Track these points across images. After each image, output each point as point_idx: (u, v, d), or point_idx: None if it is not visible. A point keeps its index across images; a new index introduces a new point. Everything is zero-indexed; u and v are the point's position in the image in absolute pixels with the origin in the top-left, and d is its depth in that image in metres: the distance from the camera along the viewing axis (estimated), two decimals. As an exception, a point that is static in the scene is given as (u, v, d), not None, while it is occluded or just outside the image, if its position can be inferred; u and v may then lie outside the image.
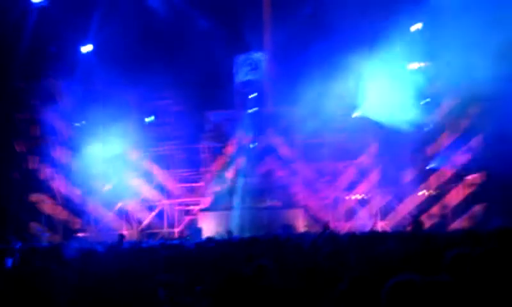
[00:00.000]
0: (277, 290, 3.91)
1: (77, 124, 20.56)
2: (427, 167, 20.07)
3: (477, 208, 18.15)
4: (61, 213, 20.21)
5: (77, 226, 20.59)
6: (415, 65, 20.22)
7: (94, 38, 19.57)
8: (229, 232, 17.25)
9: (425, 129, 19.88)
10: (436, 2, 17.86)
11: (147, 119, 22.00)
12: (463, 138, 19.14)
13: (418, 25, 19.49)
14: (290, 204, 20.33)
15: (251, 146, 21.72)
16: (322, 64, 18.60)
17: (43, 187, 19.78)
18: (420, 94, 19.90)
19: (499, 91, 16.88)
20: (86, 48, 19.97)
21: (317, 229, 18.71)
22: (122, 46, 18.59)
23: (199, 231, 18.63)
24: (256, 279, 4.25)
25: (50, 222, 19.83)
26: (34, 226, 19.14)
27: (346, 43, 18.66)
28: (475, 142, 18.69)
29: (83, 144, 20.41)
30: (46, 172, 20.07)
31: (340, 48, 18.39)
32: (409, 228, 16.31)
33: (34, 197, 19.70)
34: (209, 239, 10.78)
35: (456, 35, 17.32)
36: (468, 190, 18.99)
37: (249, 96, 21.66)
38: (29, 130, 20.53)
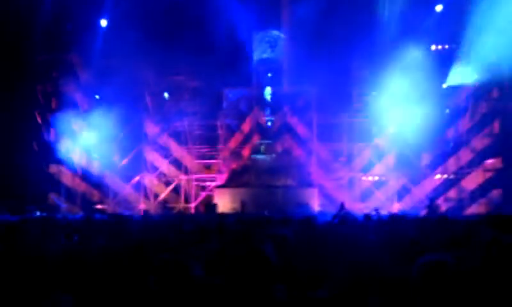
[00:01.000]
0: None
1: (96, 96, 20.69)
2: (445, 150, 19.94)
3: (495, 193, 18.06)
4: (79, 185, 20.53)
5: (95, 198, 20.92)
6: (437, 47, 19.99)
7: (111, 12, 19.57)
8: (243, 205, 17.37)
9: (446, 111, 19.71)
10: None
11: (166, 95, 22.05)
12: (483, 122, 18.97)
13: (439, 7, 19.20)
14: (305, 183, 20.34)
15: (268, 124, 21.73)
16: (341, 44, 18.45)
17: (62, 159, 20.04)
18: (442, 77, 19.72)
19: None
20: (103, 23, 20.02)
21: (331, 209, 18.83)
22: (140, 21, 18.56)
23: (214, 206, 18.79)
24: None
25: (68, 193, 20.16)
26: (53, 197, 19.49)
27: (365, 22, 18.48)
28: (495, 127, 18.51)
29: (102, 117, 20.59)
30: (65, 144, 20.32)
31: (359, 28, 18.22)
32: (424, 211, 16.38)
33: (53, 168, 20.00)
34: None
35: (477, 17, 17.10)
36: (486, 175, 18.86)
37: (267, 75, 21.58)
38: (50, 102, 20.77)
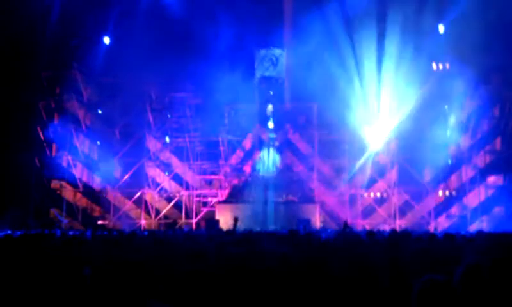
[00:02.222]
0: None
1: (99, 111, 20.78)
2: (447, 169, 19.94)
3: (497, 210, 18.03)
4: (80, 200, 20.51)
5: (96, 214, 20.88)
6: (438, 65, 20.14)
7: (115, 29, 19.77)
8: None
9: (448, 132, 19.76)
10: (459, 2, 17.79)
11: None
12: (485, 140, 19.02)
13: (441, 27, 19.39)
14: (306, 199, 20.32)
15: (270, 139, 21.79)
16: (342, 62, 18.60)
17: (64, 174, 20.06)
18: (443, 95, 19.81)
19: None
20: (105, 40, 20.22)
21: (333, 225, 18.80)
22: (142, 39, 18.72)
23: (216, 223, 18.72)
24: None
25: (69, 208, 20.14)
26: (54, 212, 19.46)
27: (368, 41, 18.66)
28: (497, 144, 18.56)
29: (104, 133, 20.69)
30: (67, 159, 20.36)
31: (361, 47, 18.38)
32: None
33: (55, 183, 20.01)
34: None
35: (478, 35, 17.24)
36: (488, 192, 18.85)
37: (269, 92, 21.69)
38: (52, 117, 20.87)
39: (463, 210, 19.36)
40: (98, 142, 20.73)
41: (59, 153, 20.36)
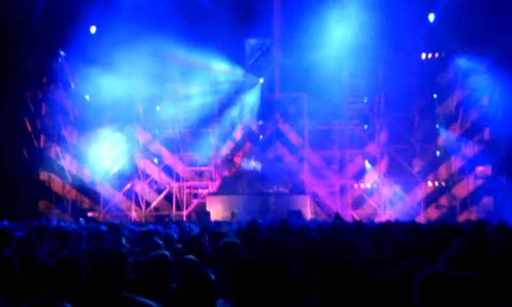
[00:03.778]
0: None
1: (86, 97, 20.45)
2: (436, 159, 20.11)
3: (486, 200, 18.24)
4: (69, 193, 20.34)
5: (86, 206, 20.73)
6: (427, 55, 20.21)
7: (104, 18, 19.46)
8: (233, 214, 17.32)
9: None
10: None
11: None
12: (473, 130, 19.18)
13: (432, 16, 19.40)
14: (297, 190, 20.34)
15: (259, 131, 21.75)
16: (332, 51, 18.56)
17: (53, 166, 19.85)
18: (432, 85, 19.91)
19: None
20: (92, 29, 19.93)
21: (323, 216, 18.88)
22: (131, 28, 18.47)
23: (207, 214, 18.70)
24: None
25: (59, 200, 19.95)
26: (43, 204, 19.29)
27: (357, 29, 18.60)
28: (486, 134, 18.73)
29: (92, 124, 20.48)
30: (55, 151, 20.14)
31: (352, 34, 18.34)
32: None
33: (44, 175, 19.79)
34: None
35: (467, 27, 17.33)
36: (477, 183, 19.06)
37: (259, 81, 21.61)
38: (40, 108, 20.58)
39: (452, 201, 19.56)
40: (87, 133, 20.47)
41: (47, 145, 20.10)
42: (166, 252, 4.40)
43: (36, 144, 19.89)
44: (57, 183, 20.21)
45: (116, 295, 3.18)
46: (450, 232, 7.22)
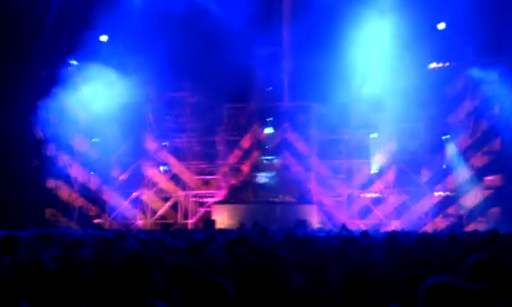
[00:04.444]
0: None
1: (93, 106, 20.62)
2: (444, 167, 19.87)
3: (494, 211, 17.98)
4: (76, 200, 20.47)
5: (93, 213, 20.84)
6: (436, 65, 20.04)
7: (113, 27, 19.66)
8: (242, 225, 17.28)
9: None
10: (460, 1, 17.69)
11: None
12: (484, 140, 18.96)
13: (442, 25, 19.27)
14: (304, 200, 20.27)
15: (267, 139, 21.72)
16: (341, 60, 18.52)
17: (60, 174, 20.02)
18: (441, 95, 19.72)
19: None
20: (103, 38, 20.14)
21: (330, 226, 18.74)
22: (140, 37, 18.65)
23: (213, 223, 18.69)
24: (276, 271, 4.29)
25: (66, 208, 20.09)
26: (50, 212, 19.42)
27: (367, 39, 18.58)
28: (494, 144, 18.48)
29: (101, 131, 20.64)
30: (63, 159, 20.30)
31: (361, 45, 18.30)
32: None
33: (51, 183, 19.95)
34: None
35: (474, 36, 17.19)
36: (485, 193, 18.80)
37: (267, 89, 21.57)
38: (49, 117, 20.77)
39: (460, 211, 19.31)
40: (96, 141, 20.62)
41: (55, 153, 20.29)
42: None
43: (45, 152, 20.08)
44: (64, 191, 20.35)
45: (140, 302, 3.12)
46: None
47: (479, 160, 19.14)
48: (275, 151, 21.64)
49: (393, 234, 8.47)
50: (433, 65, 20.23)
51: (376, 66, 19.36)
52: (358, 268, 3.48)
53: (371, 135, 20.88)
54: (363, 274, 3.34)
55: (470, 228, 16.84)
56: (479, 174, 19.04)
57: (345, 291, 3.26)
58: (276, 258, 4.65)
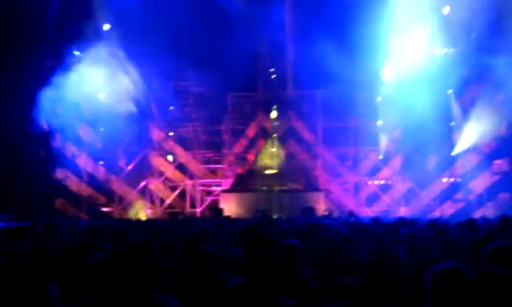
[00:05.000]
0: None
1: (100, 96, 20.59)
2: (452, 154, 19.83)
3: (502, 196, 17.99)
4: (85, 190, 20.53)
5: (101, 203, 20.91)
6: (442, 50, 19.90)
7: (117, 16, 19.57)
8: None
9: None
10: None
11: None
12: (489, 126, 18.90)
13: (447, 9, 19.10)
14: (311, 187, 20.32)
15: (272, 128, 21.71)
16: (347, 47, 18.41)
17: (68, 165, 20.07)
18: (447, 81, 19.62)
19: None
20: (106, 27, 20.05)
21: (337, 213, 18.79)
22: (144, 26, 18.54)
23: (220, 211, 18.76)
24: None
25: (75, 198, 20.17)
26: (60, 202, 19.51)
27: (372, 24, 18.44)
28: (502, 129, 18.44)
29: (106, 121, 20.64)
30: (70, 150, 20.34)
31: (366, 30, 18.17)
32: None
33: (59, 174, 20.01)
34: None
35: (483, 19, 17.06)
36: (493, 178, 18.80)
37: (272, 77, 21.51)
38: (54, 107, 20.75)
39: (468, 196, 19.31)
40: (102, 129, 20.65)
41: (63, 144, 20.31)
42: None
43: (51, 143, 20.11)
44: (73, 182, 20.41)
45: (140, 295, 3.11)
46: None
47: (486, 145, 19.11)
48: (281, 140, 21.65)
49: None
50: (438, 50, 20.09)
51: (380, 54, 19.19)
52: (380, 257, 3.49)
53: (378, 122, 20.81)
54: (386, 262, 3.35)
55: (478, 213, 16.86)
56: (487, 159, 19.03)
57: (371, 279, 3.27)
58: (286, 248, 4.68)
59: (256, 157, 21.60)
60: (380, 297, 3.12)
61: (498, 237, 5.50)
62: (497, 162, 18.92)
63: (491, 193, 18.58)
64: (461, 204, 19.24)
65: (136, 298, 2.97)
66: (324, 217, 15.90)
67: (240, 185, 20.76)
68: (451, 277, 2.93)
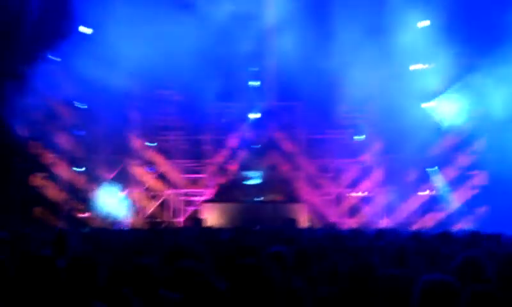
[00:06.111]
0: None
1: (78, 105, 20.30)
2: (430, 169, 20.18)
3: (481, 210, 18.37)
4: (64, 199, 20.17)
5: (81, 212, 20.55)
6: (418, 66, 20.22)
7: (94, 22, 19.36)
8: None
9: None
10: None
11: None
12: (470, 139, 19.32)
13: (426, 23, 19.44)
14: (292, 199, 20.38)
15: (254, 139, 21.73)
16: (328, 59, 18.60)
17: (46, 172, 19.71)
18: (423, 96, 19.95)
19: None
20: (87, 31, 19.81)
21: (319, 225, 18.89)
22: (123, 33, 18.36)
23: (201, 221, 18.66)
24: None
25: (53, 207, 19.78)
26: (39, 211, 19.13)
27: (351, 38, 18.67)
28: (481, 143, 18.85)
29: (85, 129, 20.39)
30: (49, 157, 19.98)
31: (346, 44, 18.40)
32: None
33: (37, 182, 19.64)
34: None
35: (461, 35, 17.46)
36: (472, 192, 19.21)
37: (251, 83, 21.43)
38: (32, 114, 20.38)
39: (447, 210, 19.64)
40: (82, 134, 20.35)
41: (40, 151, 19.94)
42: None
43: (29, 150, 19.72)
44: (51, 190, 20.02)
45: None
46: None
47: (465, 159, 19.52)
48: (263, 151, 21.67)
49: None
50: (415, 66, 20.36)
51: (362, 66, 19.39)
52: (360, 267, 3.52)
53: (358, 136, 21.03)
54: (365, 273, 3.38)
55: (457, 226, 17.17)
56: (466, 173, 19.44)
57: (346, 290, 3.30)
58: (273, 256, 4.69)
59: (237, 167, 21.56)
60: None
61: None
62: (476, 176, 19.34)
63: (470, 206, 18.97)
64: (440, 217, 19.55)
65: None
66: (306, 228, 15.97)
67: (221, 196, 20.70)
68: (440, 290, 2.97)
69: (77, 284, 3.06)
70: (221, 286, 3.22)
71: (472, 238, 8.37)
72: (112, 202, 20.35)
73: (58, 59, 19.85)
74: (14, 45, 18.91)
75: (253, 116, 21.53)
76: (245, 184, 20.71)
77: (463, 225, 17.56)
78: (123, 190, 20.91)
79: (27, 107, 19.87)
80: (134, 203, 21.05)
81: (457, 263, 4.06)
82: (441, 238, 7.88)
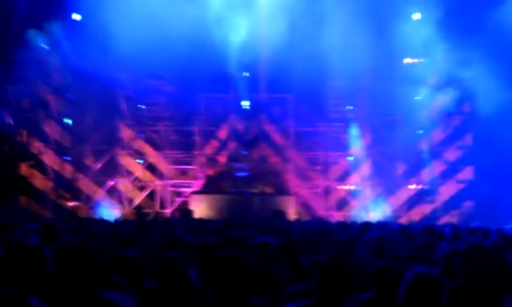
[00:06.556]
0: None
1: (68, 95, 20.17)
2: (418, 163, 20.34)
3: (467, 204, 18.57)
4: (51, 188, 20.02)
5: (68, 202, 20.43)
6: (410, 60, 20.31)
7: (84, 10, 19.16)
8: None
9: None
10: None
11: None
12: (456, 134, 19.47)
13: (418, 15, 19.49)
14: (281, 191, 20.41)
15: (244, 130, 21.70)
16: (318, 52, 18.57)
17: (33, 161, 19.53)
18: (414, 90, 20.05)
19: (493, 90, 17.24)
20: (76, 17, 19.59)
21: (307, 217, 18.98)
22: (112, 21, 18.17)
23: (190, 212, 18.60)
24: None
25: (40, 196, 19.63)
26: (24, 200, 18.98)
27: (343, 31, 18.65)
28: (468, 139, 19.02)
29: (73, 118, 20.24)
30: (36, 146, 19.80)
31: (336, 37, 18.37)
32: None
33: (24, 170, 19.47)
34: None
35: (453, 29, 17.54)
36: (458, 187, 19.39)
37: (243, 74, 21.35)
38: (20, 102, 20.18)
39: (434, 204, 19.82)
40: (70, 122, 20.16)
41: (28, 140, 19.77)
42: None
43: (17, 138, 19.54)
44: (37, 179, 19.87)
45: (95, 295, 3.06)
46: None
47: (452, 154, 19.69)
48: (252, 143, 21.66)
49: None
50: (407, 60, 20.47)
51: (352, 60, 19.39)
52: (336, 258, 3.56)
53: (348, 129, 21.09)
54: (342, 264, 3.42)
55: (443, 220, 17.34)
56: (452, 168, 19.61)
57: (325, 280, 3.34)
58: (260, 246, 4.73)
59: (227, 159, 21.54)
60: (338, 298, 3.21)
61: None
62: (462, 170, 19.54)
63: (456, 201, 19.17)
64: (427, 211, 19.73)
65: (92, 299, 2.95)
66: (294, 221, 16.01)
67: (210, 187, 20.65)
68: (425, 283, 2.99)
69: (67, 273, 3.06)
70: (194, 277, 3.24)
71: (457, 231, 8.47)
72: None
73: (46, 47, 19.66)
74: (2, 31, 18.63)
75: (245, 103, 21.44)
76: (234, 176, 20.68)
77: (450, 219, 17.73)
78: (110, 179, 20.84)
79: (15, 95, 19.68)
80: (121, 193, 20.96)
81: (442, 256, 4.13)
82: (427, 231, 7.95)
